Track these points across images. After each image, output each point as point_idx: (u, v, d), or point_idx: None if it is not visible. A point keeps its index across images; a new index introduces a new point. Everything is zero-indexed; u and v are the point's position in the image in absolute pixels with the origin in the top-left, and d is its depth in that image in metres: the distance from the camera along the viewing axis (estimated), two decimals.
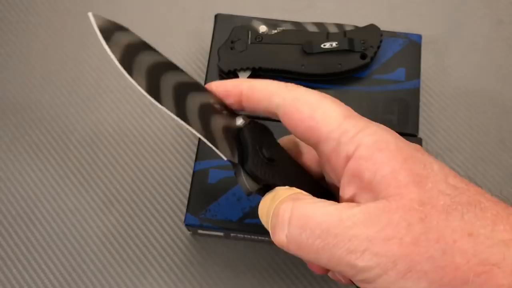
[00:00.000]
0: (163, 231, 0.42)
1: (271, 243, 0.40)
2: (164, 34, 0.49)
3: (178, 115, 0.25)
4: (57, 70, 0.48)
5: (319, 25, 0.41)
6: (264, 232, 0.36)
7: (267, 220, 0.25)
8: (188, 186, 0.42)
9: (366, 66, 0.41)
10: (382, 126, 0.24)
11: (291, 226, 0.23)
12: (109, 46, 0.24)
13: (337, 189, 0.25)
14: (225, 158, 0.26)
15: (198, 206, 0.37)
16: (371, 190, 0.22)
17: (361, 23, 0.41)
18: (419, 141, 0.39)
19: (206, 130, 0.26)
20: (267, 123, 0.29)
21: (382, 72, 0.41)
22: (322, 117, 0.24)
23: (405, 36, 0.43)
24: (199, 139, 0.39)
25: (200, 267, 0.41)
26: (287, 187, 0.26)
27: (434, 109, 0.47)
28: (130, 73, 0.24)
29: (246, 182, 0.26)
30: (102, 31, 0.24)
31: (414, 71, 0.41)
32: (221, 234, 0.39)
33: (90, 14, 0.24)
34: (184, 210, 0.42)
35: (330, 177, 0.26)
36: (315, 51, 0.40)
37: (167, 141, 0.45)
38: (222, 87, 0.28)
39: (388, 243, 0.20)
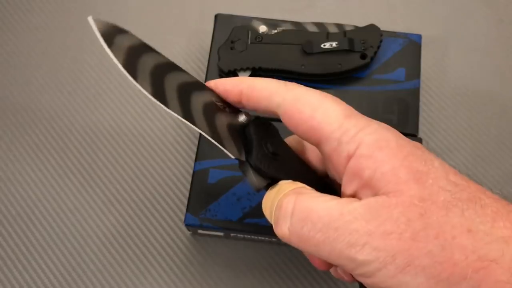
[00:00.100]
0: (163, 231, 0.42)
1: (271, 243, 0.40)
2: (164, 33, 0.49)
3: (185, 117, 0.25)
4: (57, 70, 0.48)
5: (319, 25, 0.41)
6: (264, 232, 0.37)
7: (270, 213, 0.25)
8: (188, 186, 0.42)
9: (366, 66, 0.41)
10: (383, 124, 0.24)
11: (294, 219, 0.23)
12: (112, 51, 0.23)
13: (340, 186, 0.25)
14: (232, 157, 0.26)
15: (198, 206, 0.37)
16: (371, 188, 0.22)
17: (361, 23, 0.41)
18: (419, 141, 0.39)
19: (212, 130, 0.26)
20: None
21: (382, 72, 0.41)
22: (323, 117, 0.24)
23: (405, 36, 0.43)
24: (199, 139, 0.39)
25: (200, 267, 0.41)
26: (290, 181, 0.26)
27: (434, 109, 0.47)
28: (135, 78, 0.24)
29: (254, 178, 0.26)
30: (104, 35, 0.24)
31: (414, 71, 0.41)
32: (221, 234, 0.39)
33: (90, 19, 0.24)
34: (184, 210, 0.42)
35: (333, 174, 0.27)
36: (315, 51, 0.40)
37: (167, 141, 0.45)
38: (222, 86, 0.28)
39: (388, 238, 0.20)
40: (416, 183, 0.21)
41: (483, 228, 0.20)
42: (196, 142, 0.43)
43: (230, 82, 0.27)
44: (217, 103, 0.27)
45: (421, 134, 0.45)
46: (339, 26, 0.41)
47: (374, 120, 0.24)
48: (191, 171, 0.43)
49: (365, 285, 0.22)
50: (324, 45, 0.40)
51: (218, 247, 0.41)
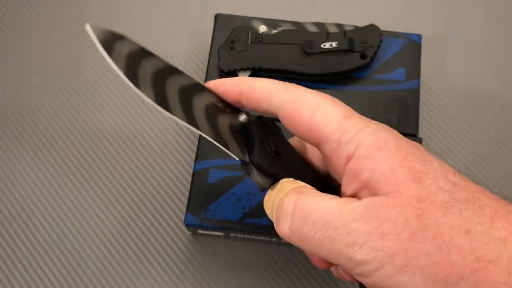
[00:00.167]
0: (163, 231, 0.42)
1: (271, 243, 0.40)
2: (164, 34, 0.49)
3: (189, 122, 0.25)
4: (57, 70, 0.48)
5: (319, 25, 0.41)
6: (264, 232, 0.37)
7: (272, 212, 0.25)
8: (188, 186, 0.42)
9: (366, 66, 0.41)
10: (382, 125, 0.24)
11: (294, 218, 0.23)
12: (113, 60, 0.23)
13: (341, 186, 0.25)
14: (236, 158, 0.26)
15: (198, 206, 0.37)
16: (370, 189, 0.22)
17: (361, 23, 0.41)
18: (419, 141, 0.39)
19: (216, 132, 0.26)
20: None
21: (382, 72, 0.41)
22: (323, 118, 0.24)
23: (405, 36, 0.43)
24: (199, 139, 0.39)
25: (200, 267, 0.41)
26: (291, 179, 0.26)
27: (434, 109, 0.47)
28: (137, 86, 0.24)
29: (259, 178, 0.26)
30: (103, 43, 0.23)
31: (414, 71, 0.41)
32: (221, 234, 0.39)
33: (87, 27, 0.23)
34: (184, 210, 0.42)
35: (334, 175, 0.27)
36: (315, 51, 0.40)
37: (167, 141, 0.45)
38: (221, 87, 0.28)
39: (385, 238, 0.20)
40: (414, 183, 0.21)
41: (481, 228, 0.20)
42: (196, 142, 0.43)
43: (229, 82, 0.27)
44: (217, 104, 0.27)
45: (421, 134, 0.45)
46: (339, 26, 0.41)
47: (373, 121, 0.24)
48: (191, 171, 0.43)
49: (364, 285, 0.23)
50: (324, 45, 0.40)
51: (218, 247, 0.41)
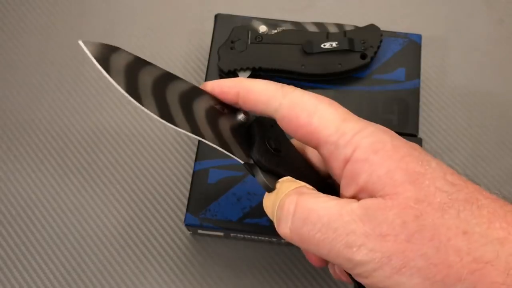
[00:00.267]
0: (163, 231, 0.42)
1: (271, 243, 0.40)
2: (164, 34, 0.49)
3: (192, 132, 0.25)
4: (57, 70, 0.48)
5: (319, 25, 0.41)
6: (264, 232, 0.37)
7: (272, 212, 0.26)
8: (188, 186, 0.42)
9: (366, 66, 0.41)
10: (380, 126, 0.24)
11: (295, 219, 0.24)
12: (113, 77, 0.23)
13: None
14: (241, 162, 0.26)
15: (198, 206, 0.37)
16: (368, 191, 0.22)
17: (361, 23, 0.41)
18: (419, 141, 0.39)
19: (219, 138, 0.26)
20: None
21: (382, 72, 0.41)
22: (320, 121, 0.24)
23: (405, 36, 0.43)
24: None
25: (200, 267, 0.41)
26: (291, 179, 0.26)
27: (434, 109, 0.47)
28: (140, 102, 0.24)
29: (264, 179, 0.26)
30: (99, 60, 0.23)
31: (414, 71, 0.41)
32: (221, 234, 0.39)
33: (80, 42, 0.23)
34: (184, 210, 0.42)
35: (333, 176, 0.27)
36: (315, 51, 0.40)
37: (167, 141, 0.45)
38: (218, 88, 0.28)
39: (383, 240, 0.21)
40: (412, 185, 0.21)
41: (478, 229, 0.20)
42: (196, 142, 0.43)
43: (226, 83, 0.27)
44: (216, 106, 0.27)
45: (421, 134, 0.45)
46: (339, 26, 0.41)
47: (371, 123, 0.24)
48: (191, 171, 0.43)
49: (364, 285, 0.23)
50: (324, 45, 0.40)
51: (218, 247, 0.41)
